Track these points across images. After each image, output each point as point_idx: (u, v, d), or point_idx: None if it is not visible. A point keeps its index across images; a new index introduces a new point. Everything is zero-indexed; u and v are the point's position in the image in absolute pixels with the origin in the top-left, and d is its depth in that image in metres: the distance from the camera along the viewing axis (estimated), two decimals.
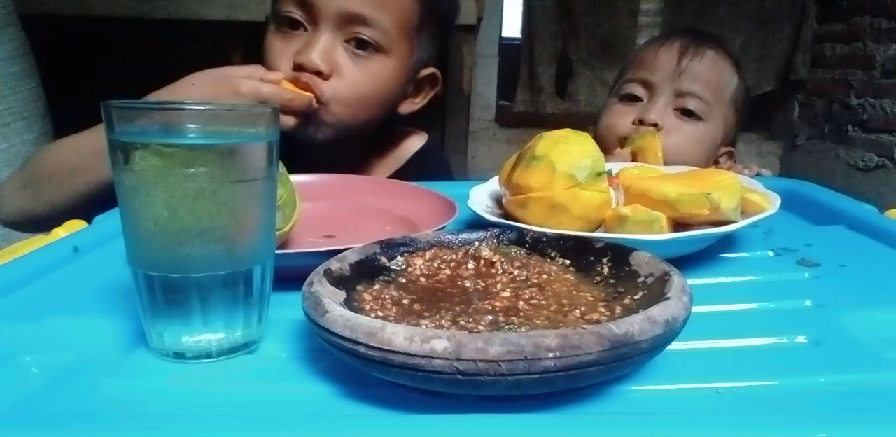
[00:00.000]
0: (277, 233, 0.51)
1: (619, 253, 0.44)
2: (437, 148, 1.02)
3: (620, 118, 0.91)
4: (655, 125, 0.87)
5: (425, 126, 1.00)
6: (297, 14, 0.76)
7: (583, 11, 2.59)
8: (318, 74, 0.76)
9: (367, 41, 0.78)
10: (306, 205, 0.57)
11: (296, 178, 0.58)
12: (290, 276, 0.43)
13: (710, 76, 0.89)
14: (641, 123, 0.88)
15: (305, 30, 0.77)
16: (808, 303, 0.47)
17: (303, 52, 0.75)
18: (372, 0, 0.77)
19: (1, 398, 0.34)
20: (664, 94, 0.89)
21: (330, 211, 0.66)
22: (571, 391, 0.34)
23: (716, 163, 0.96)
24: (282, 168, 0.50)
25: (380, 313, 0.38)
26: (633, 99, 0.92)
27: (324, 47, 0.76)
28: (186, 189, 0.35)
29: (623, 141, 0.89)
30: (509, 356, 0.29)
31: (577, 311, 0.38)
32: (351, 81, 0.78)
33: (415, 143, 0.96)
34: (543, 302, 0.40)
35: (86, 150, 0.74)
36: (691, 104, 0.89)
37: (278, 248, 0.47)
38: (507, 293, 0.41)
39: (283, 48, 0.77)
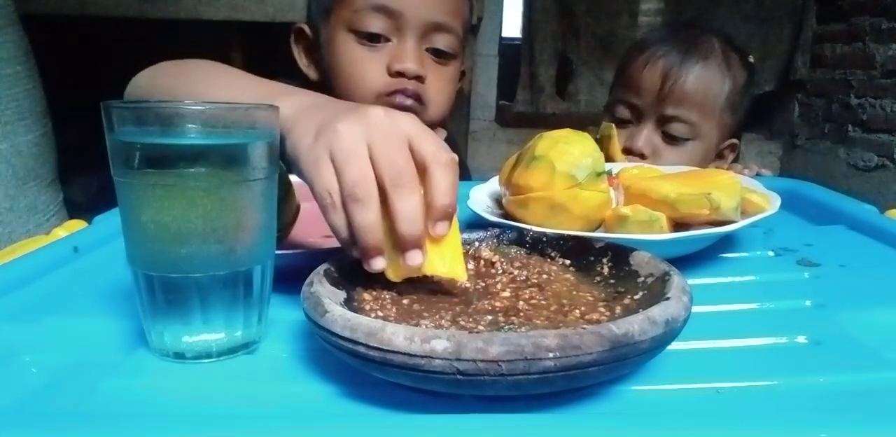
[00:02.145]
0: (279, 234, 0.51)
1: (619, 253, 0.44)
2: (455, 142, 1.05)
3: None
4: (642, 155, 0.88)
5: None
6: (381, 26, 0.79)
7: (583, 11, 2.59)
8: (417, 78, 0.80)
9: (443, 50, 0.82)
10: (306, 205, 0.57)
11: (296, 178, 0.58)
12: (291, 276, 0.43)
13: (696, 95, 0.88)
14: (629, 151, 0.88)
15: (387, 40, 0.80)
16: (808, 303, 0.47)
17: (400, 61, 0.79)
18: (449, 9, 0.82)
19: (1, 398, 0.34)
20: (649, 120, 0.89)
21: None
22: (571, 391, 0.34)
23: (720, 156, 0.96)
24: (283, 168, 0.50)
25: (380, 314, 0.38)
26: (623, 120, 0.92)
27: (416, 55, 0.80)
28: (186, 189, 0.35)
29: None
30: (509, 356, 0.29)
31: (577, 311, 0.38)
32: (439, 85, 0.83)
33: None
34: (543, 302, 0.40)
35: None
36: (678, 129, 0.88)
37: (278, 248, 0.47)
38: (506, 293, 0.41)
39: (372, 59, 0.80)
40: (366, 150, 0.38)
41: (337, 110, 0.41)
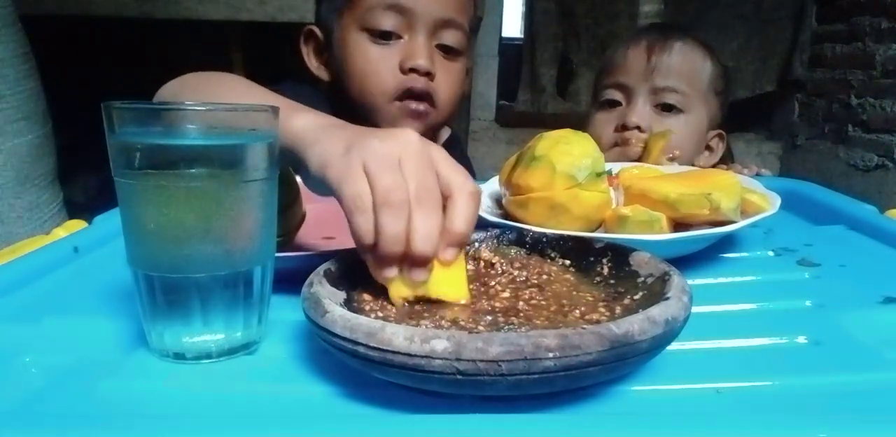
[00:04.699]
0: (280, 239, 0.51)
1: (619, 253, 0.44)
2: (459, 141, 1.06)
3: (603, 127, 0.92)
4: (638, 128, 0.88)
5: None
6: (393, 23, 0.80)
7: (583, 13, 2.59)
8: (427, 74, 0.81)
9: (452, 46, 0.83)
10: (308, 206, 0.57)
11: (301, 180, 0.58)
12: (291, 278, 0.43)
13: (682, 67, 0.90)
14: (624, 127, 0.89)
15: (399, 38, 0.81)
16: (808, 303, 0.47)
17: (412, 58, 0.80)
18: (457, 6, 0.83)
19: (1, 399, 0.34)
20: (641, 94, 0.90)
21: (330, 212, 0.65)
22: (571, 391, 0.34)
23: (708, 148, 0.97)
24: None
25: (380, 314, 0.38)
26: (613, 104, 0.92)
27: (427, 51, 0.81)
28: (187, 189, 0.35)
29: (610, 147, 0.90)
30: (509, 356, 0.29)
31: (577, 311, 0.38)
32: (448, 82, 0.84)
33: (443, 134, 1.00)
34: (543, 302, 0.40)
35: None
36: (669, 99, 0.89)
37: (282, 252, 0.47)
38: (506, 294, 0.41)
39: (385, 57, 0.81)
40: (398, 164, 0.38)
41: (364, 130, 0.41)
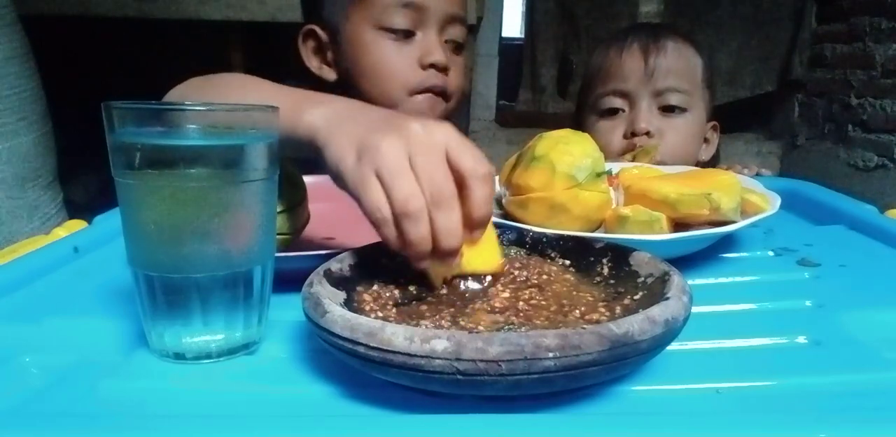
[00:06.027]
0: (285, 237, 0.51)
1: (619, 253, 0.44)
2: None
3: (611, 135, 0.91)
4: (648, 133, 0.88)
5: None
6: (408, 21, 0.81)
7: (583, 13, 2.59)
8: (444, 70, 0.83)
9: (458, 41, 0.86)
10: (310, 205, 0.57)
11: (309, 178, 0.57)
12: (291, 278, 0.43)
13: (680, 66, 0.90)
14: (633, 134, 0.89)
15: (413, 35, 0.83)
16: (808, 303, 0.47)
17: (431, 54, 0.82)
18: (461, 1, 0.86)
19: (1, 398, 0.34)
20: (643, 98, 0.90)
21: (330, 212, 0.66)
22: (571, 391, 0.34)
23: (705, 140, 0.98)
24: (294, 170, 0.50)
25: (380, 314, 0.38)
26: (614, 111, 0.92)
27: (442, 47, 0.83)
28: (186, 189, 0.35)
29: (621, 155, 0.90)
30: (509, 356, 0.29)
31: (577, 311, 0.38)
32: (457, 75, 0.86)
33: None
34: (543, 302, 0.40)
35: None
36: (672, 99, 0.89)
37: (286, 251, 0.47)
38: (506, 294, 0.41)
39: (403, 54, 0.83)
40: (409, 166, 0.39)
41: (371, 122, 0.42)
